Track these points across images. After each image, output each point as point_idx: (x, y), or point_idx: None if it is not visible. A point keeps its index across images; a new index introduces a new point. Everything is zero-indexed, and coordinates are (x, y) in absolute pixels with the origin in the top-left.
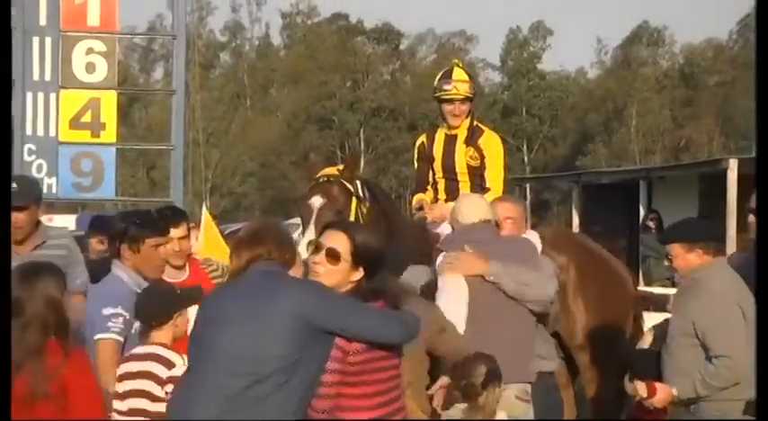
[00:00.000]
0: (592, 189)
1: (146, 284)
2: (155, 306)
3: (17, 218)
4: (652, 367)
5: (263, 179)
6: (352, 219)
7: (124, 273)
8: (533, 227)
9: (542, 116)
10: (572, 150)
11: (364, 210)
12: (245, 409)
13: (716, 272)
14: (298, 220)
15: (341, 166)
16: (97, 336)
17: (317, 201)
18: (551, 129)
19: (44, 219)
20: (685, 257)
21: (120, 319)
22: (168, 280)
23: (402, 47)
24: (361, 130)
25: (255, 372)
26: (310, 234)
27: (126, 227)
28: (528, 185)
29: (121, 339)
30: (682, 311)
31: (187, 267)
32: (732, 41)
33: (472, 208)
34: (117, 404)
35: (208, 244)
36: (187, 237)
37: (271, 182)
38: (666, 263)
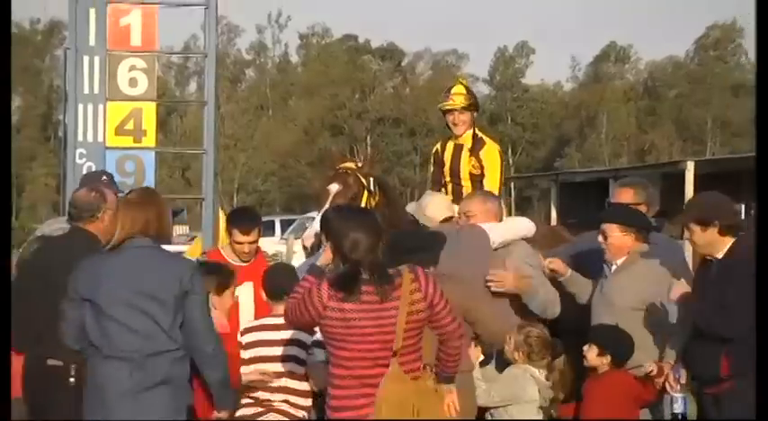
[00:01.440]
0: (568, 187)
1: None
2: (284, 281)
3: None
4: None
5: (283, 178)
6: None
7: None
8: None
9: (525, 124)
10: (550, 153)
11: (373, 203)
12: (156, 380)
13: (651, 253)
14: (314, 214)
15: (360, 163)
16: None
17: (333, 187)
18: (532, 135)
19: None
20: (621, 238)
21: None
22: (234, 263)
23: (403, 63)
24: (368, 137)
25: (162, 347)
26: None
27: None
28: (513, 184)
29: None
30: (630, 287)
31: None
32: (689, 59)
33: (437, 206)
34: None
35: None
36: (256, 241)
37: (289, 181)
38: (600, 239)
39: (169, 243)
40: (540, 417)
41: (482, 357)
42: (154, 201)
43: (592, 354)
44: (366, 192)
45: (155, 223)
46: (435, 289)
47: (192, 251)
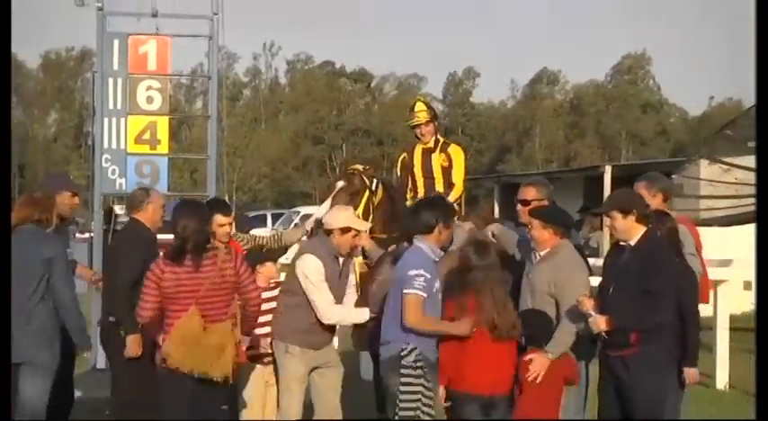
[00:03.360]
0: (508, 187)
1: (441, 254)
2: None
3: (76, 201)
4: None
5: (274, 180)
6: (361, 204)
7: (425, 245)
8: (467, 214)
9: (473, 135)
10: (494, 159)
11: (375, 200)
12: (38, 324)
13: (569, 250)
14: (300, 209)
15: (367, 166)
16: (405, 291)
17: (339, 184)
18: (479, 145)
19: (116, 207)
20: (541, 231)
21: (422, 279)
22: None
23: (372, 85)
24: (344, 145)
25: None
26: (326, 204)
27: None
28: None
29: (424, 295)
30: (544, 276)
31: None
32: (607, 82)
33: (335, 217)
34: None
35: None
36: (232, 222)
37: (279, 182)
38: (528, 231)
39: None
40: None
41: None
42: (34, 201)
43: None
44: (368, 191)
45: (36, 215)
46: (243, 265)
47: None
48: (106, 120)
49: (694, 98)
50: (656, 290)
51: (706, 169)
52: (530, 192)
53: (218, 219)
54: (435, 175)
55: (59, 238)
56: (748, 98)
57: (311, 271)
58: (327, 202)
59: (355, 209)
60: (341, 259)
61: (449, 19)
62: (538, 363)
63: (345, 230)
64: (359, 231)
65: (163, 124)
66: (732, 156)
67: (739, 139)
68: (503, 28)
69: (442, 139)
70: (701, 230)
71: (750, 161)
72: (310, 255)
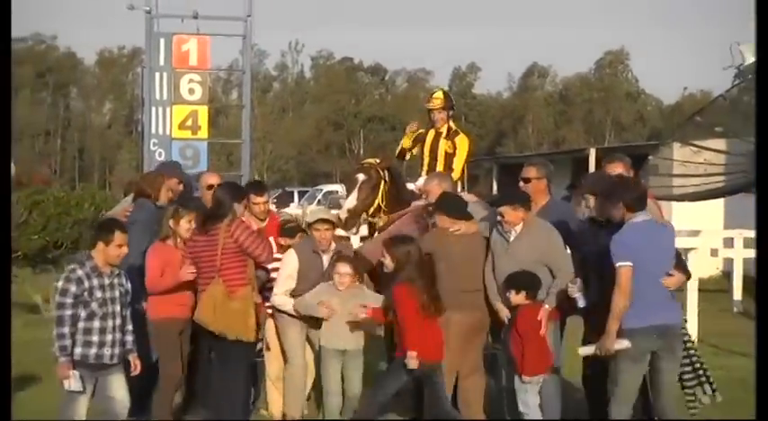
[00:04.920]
0: (505, 168)
1: None
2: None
3: (181, 188)
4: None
5: (300, 162)
6: (379, 193)
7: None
8: (466, 191)
9: (474, 122)
10: (492, 143)
11: (387, 187)
12: None
13: (539, 221)
14: (323, 187)
15: (378, 159)
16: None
17: (360, 176)
18: (479, 130)
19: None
20: (514, 214)
21: None
22: (255, 225)
23: (386, 78)
24: (361, 131)
25: None
26: (353, 198)
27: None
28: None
29: None
30: (529, 247)
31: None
32: (591, 75)
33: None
34: None
35: None
36: (267, 201)
37: (304, 163)
38: (499, 219)
39: (156, 202)
40: None
41: None
42: (146, 179)
43: (512, 296)
44: (383, 181)
45: (147, 192)
46: (242, 233)
47: None
48: (153, 109)
49: (669, 89)
50: None
51: (678, 151)
52: (531, 172)
53: (252, 197)
54: (438, 159)
55: (157, 211)
56: (717, 89)
57: (284, 263)
58: (354, 194)
59: (375, 198)
60: (324, 255)
61: (453, 20)
62: (543, 315)
63: (320, 225)
64: (334, 226)
65: (203, 113)
66: (701, 140)
67: (707, 125)
68: (499, 28)
69: (453, 128)
70: (675, 205)
71: (717, 144)
72: (291, 251)
